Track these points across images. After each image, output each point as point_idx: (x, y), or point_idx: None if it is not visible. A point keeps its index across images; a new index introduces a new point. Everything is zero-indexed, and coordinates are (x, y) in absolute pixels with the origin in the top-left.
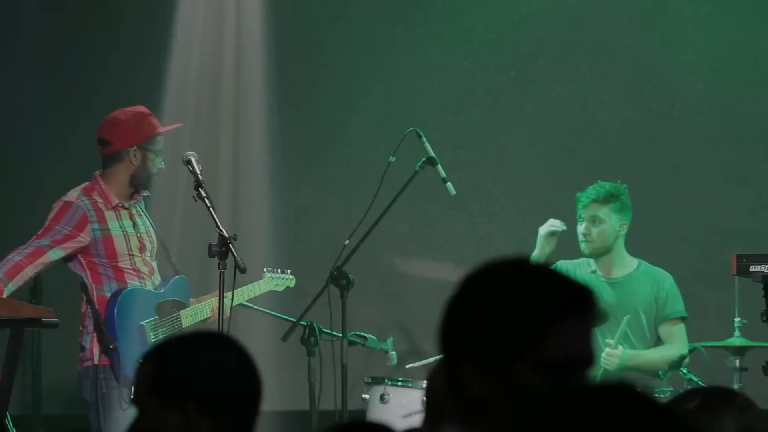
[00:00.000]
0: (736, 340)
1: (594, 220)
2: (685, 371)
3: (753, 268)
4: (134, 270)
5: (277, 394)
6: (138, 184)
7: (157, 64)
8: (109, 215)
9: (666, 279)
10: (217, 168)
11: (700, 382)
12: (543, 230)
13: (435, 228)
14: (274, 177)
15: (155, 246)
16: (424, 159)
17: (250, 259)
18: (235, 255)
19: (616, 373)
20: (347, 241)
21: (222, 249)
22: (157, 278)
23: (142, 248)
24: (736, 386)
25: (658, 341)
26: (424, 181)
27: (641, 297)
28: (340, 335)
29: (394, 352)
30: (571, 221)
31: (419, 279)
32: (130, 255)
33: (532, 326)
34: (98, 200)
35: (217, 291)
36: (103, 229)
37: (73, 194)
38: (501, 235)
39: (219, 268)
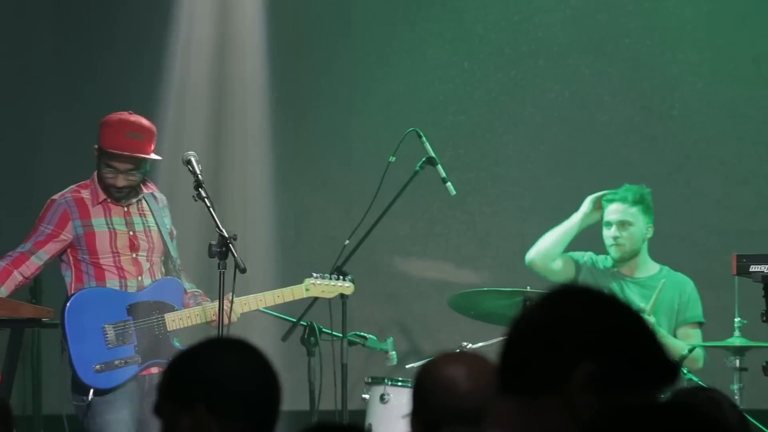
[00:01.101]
0: (736, 340)
1: (623, 224)
2: (685, 371)
3: (753, 268)
4: (117, 268)
5: None
6: (102, 186)
7: (157, 64)
8: (95, 211)
9: (688, 284)
10: (217, 168)
11: (700, 382)
12: (593, 197)
13: (435, 228)
14: (274, 177)
15: (155, 246)
16: (424, 159)
17: (250, 259)
18: (235, 255)
19: None
20: (347, 241)
21: (222, 249)
22: (147, 279)
23: (132, 247)
24: (736, 386)
25: None
26: (424, 181)
27: (664, 299)
28: (340, 335)
29: (394, 352)
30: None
31: (419, 279)
32: (114, 253)
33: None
34: (86, 196)
35: (229, 296)
36: (85, 225)
37: (61, 192)
38: (501, 235)
39: (219, 268)
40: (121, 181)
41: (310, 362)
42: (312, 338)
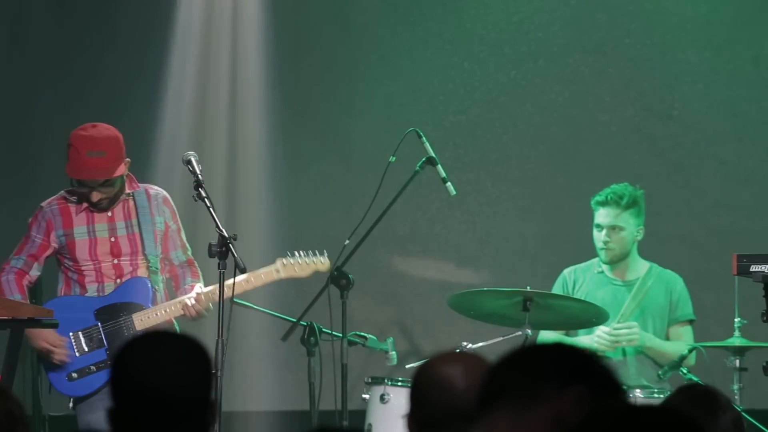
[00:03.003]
0: (736, 340)
1: (614, 228)
2: (685, 371)
3: (753, 268)
4: (97, 273)
5: (277, 394)
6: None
7: (156, 64)
8: (78, 219)
9: (678, 281)
10: (217, 168)
11: (700, 383)
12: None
13: (435, 228)
14: (274, 177)
15: (139, 249)
16: (424, 159)
17: (249, 260)
18: (235, 255)
19: (636, 350)
20: (347, 241)
21: (222, 249)
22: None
23: (113, 252)
24: (736, 386)
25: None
26: (424, 181)
27: (656, 300)
28: (340, 335)
29: (394, 352)
30: (571, 221)
31: (419, 279)
32: (93, 260)
33: None
34: (72, 203)
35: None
36: (67, 234)
37: (49, 199)
38: (501, 235)
39: (219, 268)
40: (95, 197)
41: (310, 362)
42: (312, 338)
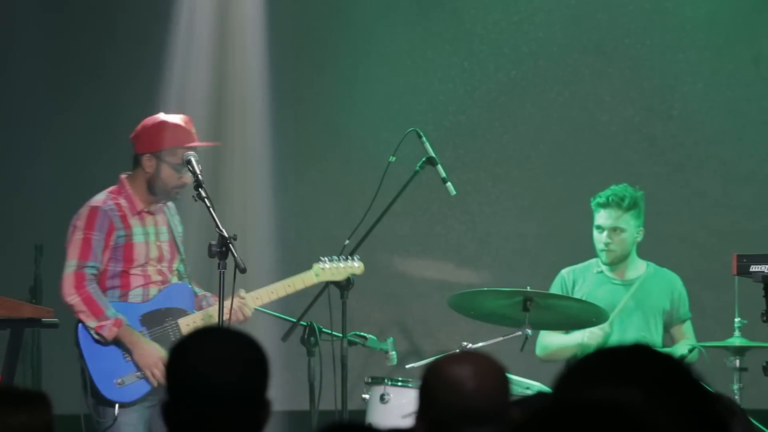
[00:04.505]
0: (736, 340)
1: (615, 230)
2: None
3: (753, 268)
4: (144, 277)
5: (277, 394)
6: (154, 192)
7: (157, 63)
8: (134, 221)
9: (677, 281)
10: (217, 168)
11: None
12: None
13: (435, 228)
14: (274, 177)
15: (175, 256)
16: (424, 159)
17: (250, 259)
18: (235, 255)
19: None
20: (347, 241)
21: (222, 249)
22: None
23: (160, 258)
24: (736, 386)
25: (668, 341)
26: (424, 181)
27: (657, 298)
28: (340, 335)
29: (394, 352)
30: (571, 221)
31: (419, 279)
32: (146, 263)
33: None
34: (124, 204)
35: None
36: (127, 235)
37: (99, 198)
38: (501, 235)
39: (219, 268)
40: (186, 179)
41: (310, 362)
42: (312, 338)
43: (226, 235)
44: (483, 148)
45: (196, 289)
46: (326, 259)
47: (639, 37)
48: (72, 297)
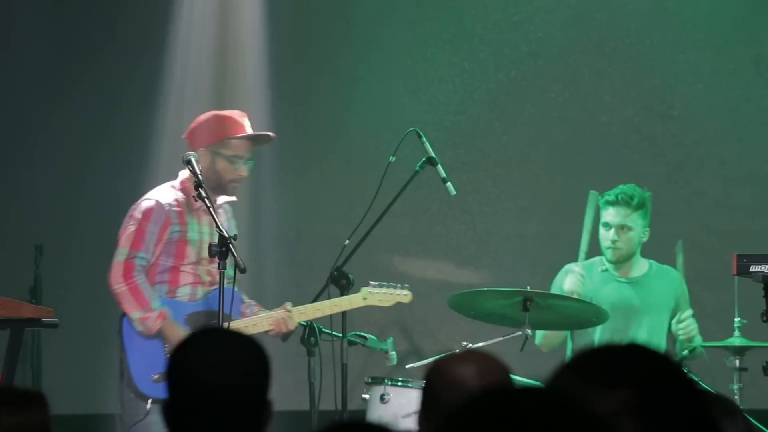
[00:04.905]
0: (736, 340)
1: (623, 228)
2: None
3: (753, 268)
4: (194, 275)
5: (277, 395)
6: (209, 187)
7: (156, 63)
8: (190, 218)
9: (677, 276)
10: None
11: (700, 383)
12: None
13: (435, 228)
14: (274, 177)
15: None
16: (424, 159)
17: (249, 259)
18: (236, 255)
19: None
20: (347, 241)
21: (222, 249)
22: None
23: (210, 258)
24: (736, 386)
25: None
26: (424, 181)
27: (661, 296)
28: (340, 335)
29: (394, 352)
30: (571, 221)
31: (419, 279)
32: (197, 261)
33: None
34: (182, 200)
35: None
36: (181, 231)
37: (159, 191)
38: (501, 235)
39: (219, 268)
40: (242, 172)
41: (310, 362)
42: (312, 338)
43: (227, 235)
44: (483, 148)
45: (243, 296)
46: (375, 283)
47: (639, 37)
48: (120, 286)
